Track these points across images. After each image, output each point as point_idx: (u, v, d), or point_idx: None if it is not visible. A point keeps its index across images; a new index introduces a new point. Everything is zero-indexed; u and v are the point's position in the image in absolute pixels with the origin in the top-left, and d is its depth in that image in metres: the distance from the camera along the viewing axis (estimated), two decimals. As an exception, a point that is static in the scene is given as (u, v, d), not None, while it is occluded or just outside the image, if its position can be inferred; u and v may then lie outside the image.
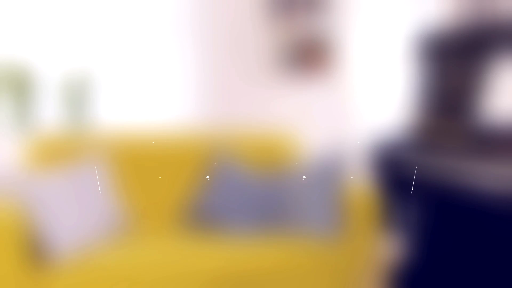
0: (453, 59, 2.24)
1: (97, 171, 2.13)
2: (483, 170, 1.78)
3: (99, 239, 1.89)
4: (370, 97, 3.22)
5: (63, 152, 2.18)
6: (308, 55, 3.38)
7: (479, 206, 2.04)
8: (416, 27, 2.89)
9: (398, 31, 3.01)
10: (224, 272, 1.84)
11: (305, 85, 3.71)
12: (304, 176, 2.23)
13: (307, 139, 3.62)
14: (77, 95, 3.00)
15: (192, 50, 3.71)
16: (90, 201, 1.99)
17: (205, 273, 1.82)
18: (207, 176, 2.32)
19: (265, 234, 2.16)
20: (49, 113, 3.07)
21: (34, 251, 1.74)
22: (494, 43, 2.04)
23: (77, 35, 3.20)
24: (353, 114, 3.30)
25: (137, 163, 2.31)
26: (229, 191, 2.23)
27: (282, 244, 2.01)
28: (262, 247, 1.97)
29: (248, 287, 1.92)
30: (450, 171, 1.92)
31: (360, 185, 2.32)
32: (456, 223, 2.20)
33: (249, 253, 1.92)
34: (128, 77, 3.05)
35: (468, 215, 2.13)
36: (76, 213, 1.83)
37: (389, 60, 3.07)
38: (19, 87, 2.84)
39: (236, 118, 2.93)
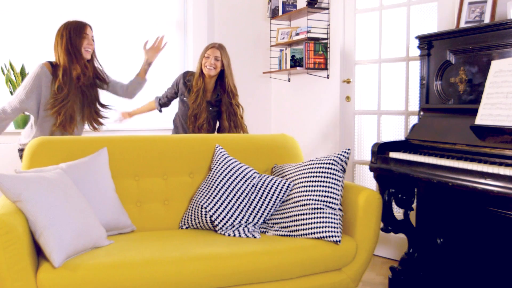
0: (454, 59, 2.24)
1: (97, 170, 2.13)
2: (482, 170, 1.78)
3: (99, 239, 1.89)
4: (370, 97, 3.23)
5: (63, 152, 2.18)
6: (309, 55, 3.39)
7: (478, 206, 2.05)
8: (418, 27, 2.90)
9: (399, 31, 3.02)
10: (224, 272, 1.84)
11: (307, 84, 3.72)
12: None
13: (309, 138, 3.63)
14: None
15: (192, 50, 3.72)
16: (90, 201, 1.98)
17: (205, 273, 1.81)
18: (207, 177, 2.33)
19: (265, 234, 2.16)
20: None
21: (34, 250, 1.74)
22: (494, 44, 2.05)
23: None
24: (353, 114, 3.30)
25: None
26: (230, 191, 2.23)
27: (283, 244, 2.01)
28: (263, 247, 1.97)
29: (249, 286, 1.92)
30: (450, 170, 1.92)
31: (361, 185, 2.33)
32: (456, 222, 2.20)
33: (250, 253, 1.92)
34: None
35: (468, 215, 2.13)
36: (76, 212, 1.83)
37: (390, 60, 3.08)
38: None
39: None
